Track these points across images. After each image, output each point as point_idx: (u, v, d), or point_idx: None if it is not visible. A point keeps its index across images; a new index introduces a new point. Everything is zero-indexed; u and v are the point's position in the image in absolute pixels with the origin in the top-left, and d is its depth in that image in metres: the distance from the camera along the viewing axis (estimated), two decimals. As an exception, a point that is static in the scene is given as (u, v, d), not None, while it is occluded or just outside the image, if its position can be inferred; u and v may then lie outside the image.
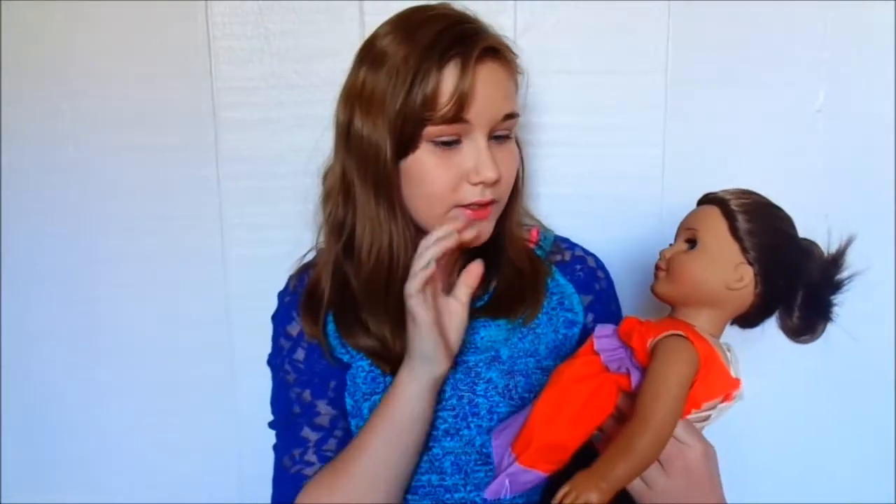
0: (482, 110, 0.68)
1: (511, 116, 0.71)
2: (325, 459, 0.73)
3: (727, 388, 0.65)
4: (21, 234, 1.01)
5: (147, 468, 1.05)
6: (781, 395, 1.01)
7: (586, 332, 0.80)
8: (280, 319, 0.80)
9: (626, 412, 0.62)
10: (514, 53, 0.72)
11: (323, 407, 0.75)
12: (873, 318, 1.00)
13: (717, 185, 0.97)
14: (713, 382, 0.63)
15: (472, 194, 0.69)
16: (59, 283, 1.02)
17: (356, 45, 0.89)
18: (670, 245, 0.70)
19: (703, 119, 0.96)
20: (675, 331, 0.62)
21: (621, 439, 0.57)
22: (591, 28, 0.94)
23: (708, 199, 0.68)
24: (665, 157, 0.96)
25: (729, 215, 0.65)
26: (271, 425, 0.80)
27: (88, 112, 0.97)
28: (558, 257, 0.83)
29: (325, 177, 0.79)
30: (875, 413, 1.02)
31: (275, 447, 0.78)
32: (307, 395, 0.76)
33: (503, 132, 0.71)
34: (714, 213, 0.66)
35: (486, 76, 0.68)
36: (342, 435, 0.75)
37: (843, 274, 0.67)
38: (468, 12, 0.72)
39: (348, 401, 0.76)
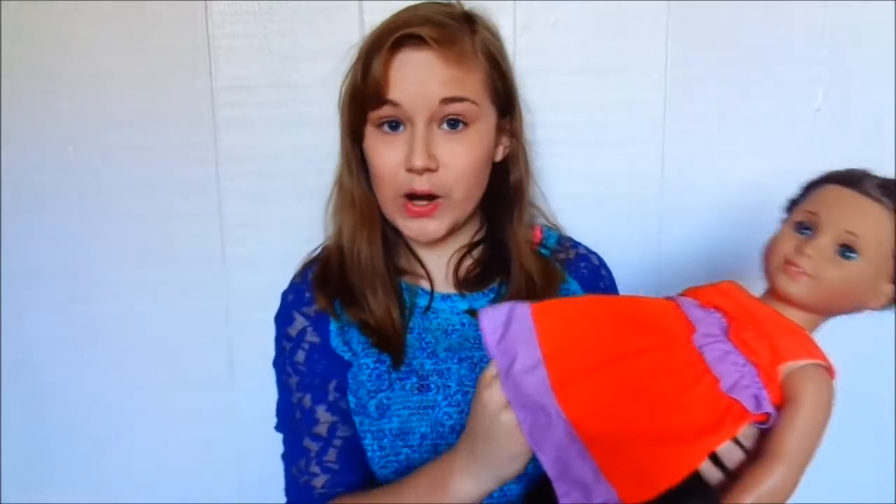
0: (409, 91, 0.70)
1: (454, 100, 0.70)
2: (328, 470, 0.74)
3: None
4: (21, 234, 1.01)
5: (146, 467, 1.05)
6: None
7: None
8: (281, 320, 0.80)
9: (747, 444, 0.55)
10: (451, 44, 0.70)
11: (322, 414, 0.75)
12: (873, 317, 1.00)
13: (716, 185, 0.98)
14: None
15: (409, 180, 0.72)
16: (59, 282, 1.02)
17: (356, 45, 0.89)
18: (797, 231, 0.59)
19: (702, 118, 0.96)
20: (817, 360, 0.56)
21: (756, 481, 0.52)
22: (591, 27, 0.94)
23: (867, 193, 0.58)
24: (664, 157, 0.97)
25: None
26: (277, 428, 0.80)
27: (88, 112, 0.97)
28: (563, 255, 0.83)
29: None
30: (875, 413, 1.02)
31: (283, 454, 0.78)
32: (307, 400, 0.76)
33: (453, 116, 0.71)
34: (885, 222, 0.57)
35: (407, 60, 0.70)
36: (342, 444, 0.75)
37: None
38: (440, 5, 0.74)
39: (351, 399, 0.76)
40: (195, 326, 1.02)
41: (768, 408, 0.54)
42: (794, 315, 0.59)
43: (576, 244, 0.86)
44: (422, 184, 0.71)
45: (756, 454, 0.54)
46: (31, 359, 1.04)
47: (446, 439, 0.73)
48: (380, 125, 0.72)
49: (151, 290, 1.01)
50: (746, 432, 0.55)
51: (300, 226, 0.88)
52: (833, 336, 1.01)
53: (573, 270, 0.82)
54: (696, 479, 0.55)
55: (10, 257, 1.02)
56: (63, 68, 0.96)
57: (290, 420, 0.77)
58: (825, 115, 0.95)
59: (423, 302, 0.78)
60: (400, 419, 0.73)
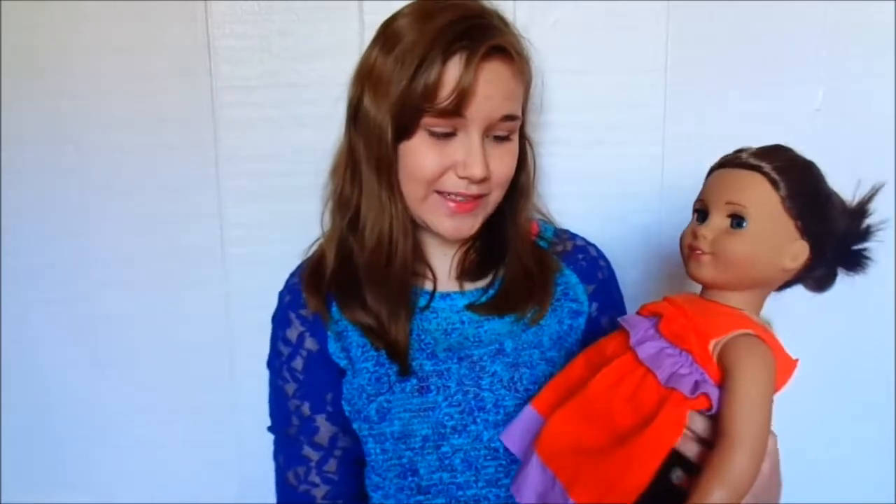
0: (480, 108, 0.68)
1: (510, 118, 0.71)
2: (329, 481, 0.75)
3: (790, 371, 0.60)
4: (21, 234, 1.01)
5: (147, 467, 1.05)
6: (780, 395, 1.01)
7: (591, 322, 0.80)
8: (279, 322, 0.80)
9: (704, 434, 0.57)
10: (522, 54, 0.72)
11: (322, 423, 0.76)
12: (873, 317, 1.00)
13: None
14: (781, 374, 0.58)
15: (456, 185, 0.71)
16: (59, 283, 1.02)
17: (356, 44, 0.89)
18: (697, 221, 0.63)
19: (702, 118, 0.96)
20: (743, 329, 0.57)
21: (716, 467, 0.53)
22: (591, 27, 0.94)
23: (740, 165, 0.61)
24: (664, 156, 0.96)
25: (777, 186, 0.58)
26: (271, 430, 0.80)
27: (88, 112, 0.97)
28: (560, 248, 0.84)
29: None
30: (875, 413, 1.02)
31: (275, 455, 0.79)
32: (306, 408, 0.76)
33: (502, 133, 0.72)
34: (760, 184, 0.59)
35: (490, 75, 0.68)
36: (342, 454, 0.76)
37: (871, 221, 0.63)
38: (489, 7, 0.73)
39: (345, 406, 0.76)
40: (195, 326, 1.01)
41: (706, 388, 0.56)
42: (730, 298, 0.61)
43: (573, 236, 0.86)
44: (471, 189, 0.71)
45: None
46: (32, 359, 1.04)
47: (448, 440, 0.73)
48: (435, 133, 0.70)
49: (151, 290, 1.01)
50: (700, 424, 0.57)
51: (300, 226, 0.87)
52: (833, 335, 1.01)
53: (571, 262, 0.82)
54: (669, 487, 0.56)
55: (10, 257, 1.02)
56: (63, 68, 0.96)
57: (287, 426, 0.77)
58: (825, 115, 0.95)
59: (422, 302, 0.78)
60: (401, 422, 0.73)
